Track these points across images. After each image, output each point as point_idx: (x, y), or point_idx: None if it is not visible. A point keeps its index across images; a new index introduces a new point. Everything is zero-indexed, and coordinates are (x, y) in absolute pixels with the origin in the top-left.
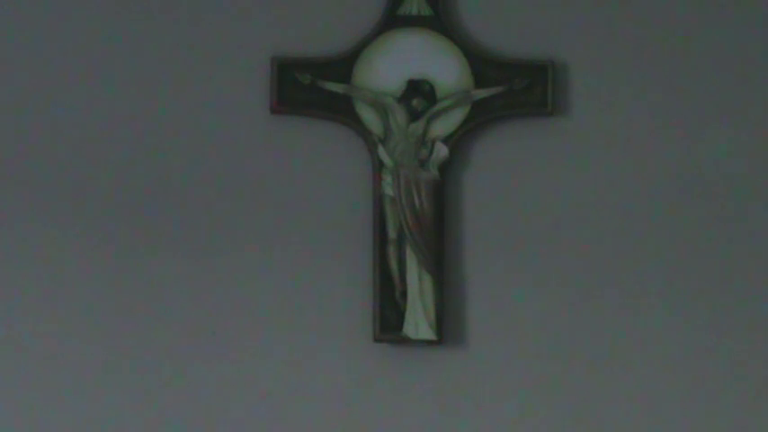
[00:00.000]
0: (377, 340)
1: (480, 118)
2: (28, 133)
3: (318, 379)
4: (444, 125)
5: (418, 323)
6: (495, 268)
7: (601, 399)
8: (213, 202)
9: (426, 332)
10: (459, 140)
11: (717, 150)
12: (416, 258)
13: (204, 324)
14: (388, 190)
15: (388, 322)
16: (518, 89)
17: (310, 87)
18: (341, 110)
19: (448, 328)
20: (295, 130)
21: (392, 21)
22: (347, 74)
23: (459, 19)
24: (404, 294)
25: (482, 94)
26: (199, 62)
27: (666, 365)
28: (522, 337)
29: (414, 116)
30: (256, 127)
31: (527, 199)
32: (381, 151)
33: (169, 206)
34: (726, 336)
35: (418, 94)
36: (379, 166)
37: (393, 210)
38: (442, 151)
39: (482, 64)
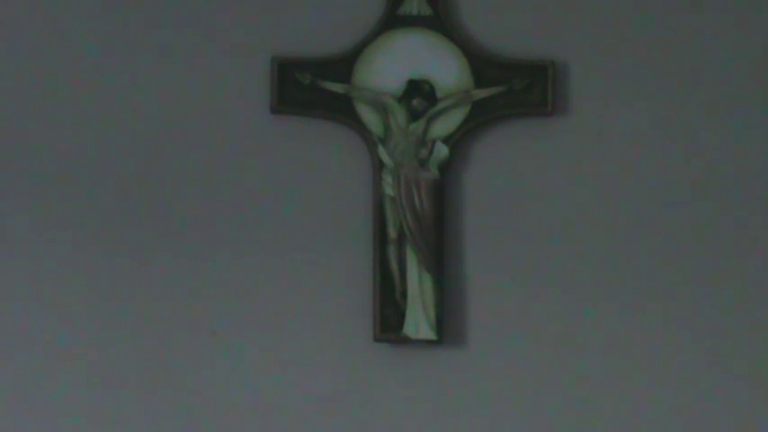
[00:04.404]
0: (377, 340)
1: (480, 118)
2: (27, 134)
3: (318, 379)
4: (444, 125)
5: (418, 323)
6: (495, 268)
7: (601, 399)
8: (213, 202)
9: (426, 332)
10: (460, 140)
11: (717, 150)
12: (416, 258)
13: (204, 324)
14: (388, 190)
15: (388, 322)
16: (518, 89)
17: (310, 87)
18: (341, 110)
19: (448, 328)
20: (295, 130)
21: (392, 21)
22: (347, 74)
23: (460, 19)
24: (404, 294)
25: (482, 94)
26: (199, 62)
27: (666, 365)
28: (522, 337)
29: (414, 116)
30: (256, 127)
31: (527, 199)
32: (381, 151)
33: (169, 206)
34: (727, 337)
35: (418, 94)
36: (379, 166)
37: (393, 210)
38: (442, 151)
39: (482, 64)
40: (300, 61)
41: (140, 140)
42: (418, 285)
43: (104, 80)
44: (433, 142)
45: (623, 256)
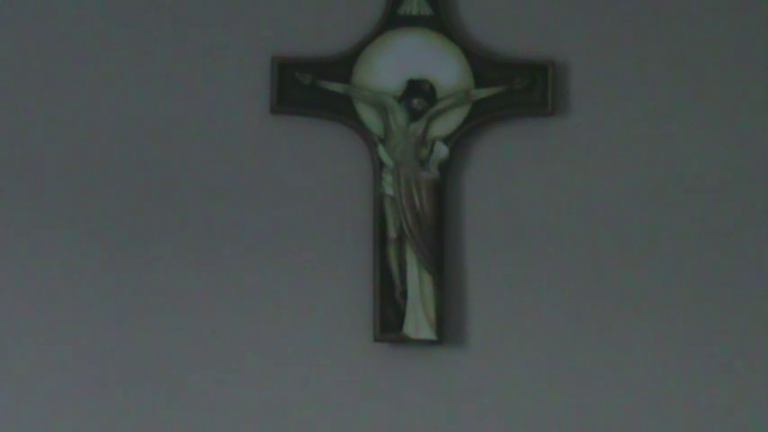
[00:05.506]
0: (377, 340)
1: (480, 118)
2: (28, 134)
3: (318, 379)
4: (444, 125)
5: (418, 323)
6: (495, 268)
7: (600, 398)
8: (213, 203)
9: (426, 332)
10: (459, 140)
11: (716, 151)
12: (416, 258)
13: (204, 324)
14: (388, 190)
15: (388, 322)
16: (518, 89)
17: (310, 87)
18: (341, 110)
19: (448, 328)
20: (295, 130)
21: (392, 21)
22: (347, 74)
23: (459, 19)
24: (404, 294)
25: (482, 94)
26: (199, 62)
27: (666, 365)
28: (522, 337)
29: (414, 116)
30: (256, 127)
31: (527, 199)
32: (381, 151)
33: (169, 206)
34: (725, 335)
35: (418, 94)
36: (379, 166)
37: (393, 210)
38: (442, 151)
39: (482, 64)
40: (300, 61)
41: (141, 140)
42: (418, 285)
43: (105, 80)
44: (433, 142)
45: (623, 256)
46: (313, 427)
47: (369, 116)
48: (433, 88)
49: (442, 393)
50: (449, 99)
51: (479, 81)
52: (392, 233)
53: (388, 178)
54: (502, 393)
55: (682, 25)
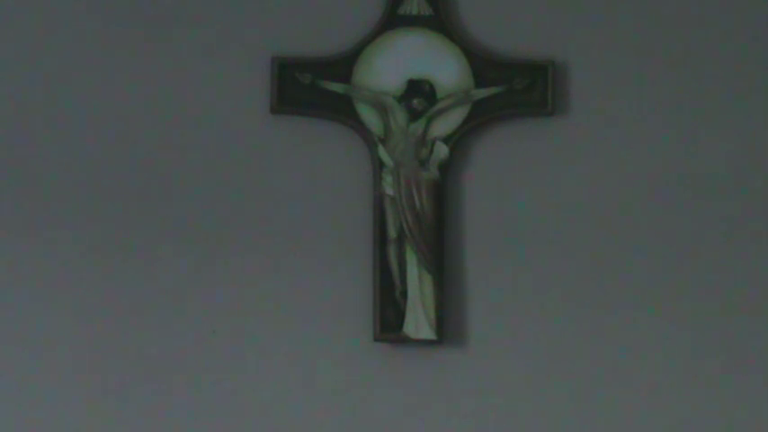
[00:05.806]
0: (377, 340)
1: (480, 118)
2: (28, 134)
3: (318, 379)
4: (444, 125)
5: (418, 323)
6: (495, 268)
7: (601, 399)
8: (213, 203)
9: (426, 332)
10: (459, 140)
11: (717, 150)
12: (416, 258)
13: (204, 324)
14: (388, 190)
15: (388, 322)
16: (518, 89)
17: (310, 87)
18: (341, 110)
19: (448, 328)
20: (295, 130)
21: (392, 21)
22: (347, 74)
23: (459, 19)
24: (404, 294)
25: (482, 94)
26: (199, 62)
27: (666, 365)
28: (522, 337)
29: (414, 116)
30: (256, 127)
31: (527, 199)
32: (381, 151)
33: (168, 206)
34: (726, 335)
35: (418, 93)
36: (379, 166)
37: (393, 210)
38: (442, 151)
39: (482, 64)
40: (300, 61)
41: (141, 140)
42: (418, 285)
43: (105, 80)
44: (433, 142)
45: (623, 256)
46: (313, 426)
47: (369, 116)
48: (433, 88)
49: (442, 393)
50: (449, 99)
51: (479, 81)
52: (392, 233)
53: (388, 178)
54: (502, 393)
55: (682, 25)
